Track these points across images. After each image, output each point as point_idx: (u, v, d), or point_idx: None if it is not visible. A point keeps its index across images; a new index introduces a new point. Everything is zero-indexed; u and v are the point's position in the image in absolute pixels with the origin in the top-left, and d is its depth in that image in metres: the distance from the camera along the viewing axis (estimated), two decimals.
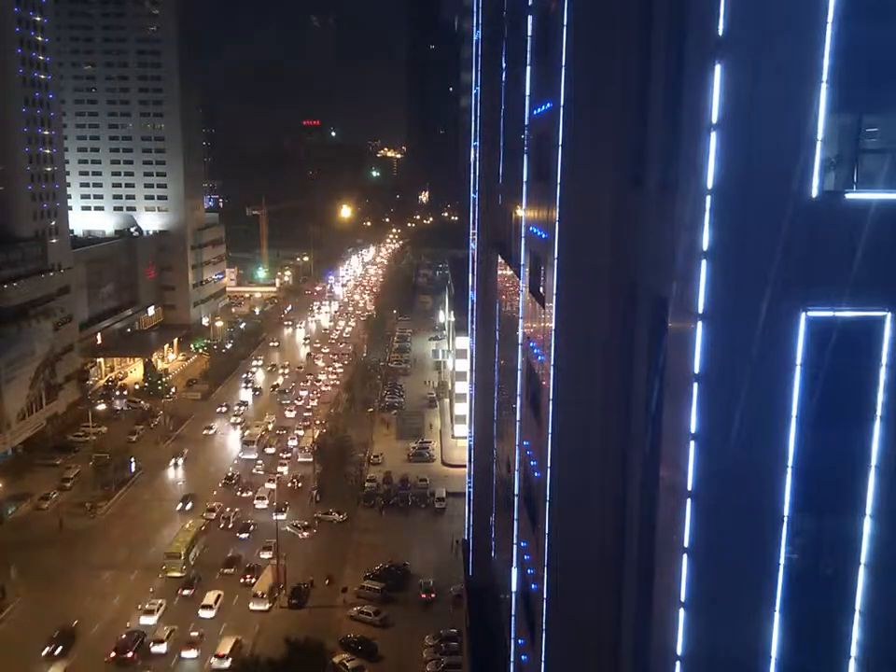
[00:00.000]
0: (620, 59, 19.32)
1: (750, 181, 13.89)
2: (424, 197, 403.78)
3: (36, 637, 64.08)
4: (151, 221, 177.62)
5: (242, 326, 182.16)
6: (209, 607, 68.13)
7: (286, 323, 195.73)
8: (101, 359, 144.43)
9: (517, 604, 29.21)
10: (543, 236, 23.16)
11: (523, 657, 27.51)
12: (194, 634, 64.30)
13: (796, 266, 14.02)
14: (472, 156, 48.83)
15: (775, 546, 14.87)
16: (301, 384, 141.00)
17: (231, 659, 60.62)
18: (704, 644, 15.21)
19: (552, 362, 20.92)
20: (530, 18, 26.37)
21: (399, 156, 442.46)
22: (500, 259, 40.17)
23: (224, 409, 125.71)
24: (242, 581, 73.17)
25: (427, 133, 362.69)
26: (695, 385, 14.51)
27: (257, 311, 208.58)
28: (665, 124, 17.26)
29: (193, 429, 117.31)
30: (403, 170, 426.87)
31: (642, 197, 18.66)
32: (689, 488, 14.77)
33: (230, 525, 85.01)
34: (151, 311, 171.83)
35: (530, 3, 26.83)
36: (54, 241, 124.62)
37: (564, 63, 19.72)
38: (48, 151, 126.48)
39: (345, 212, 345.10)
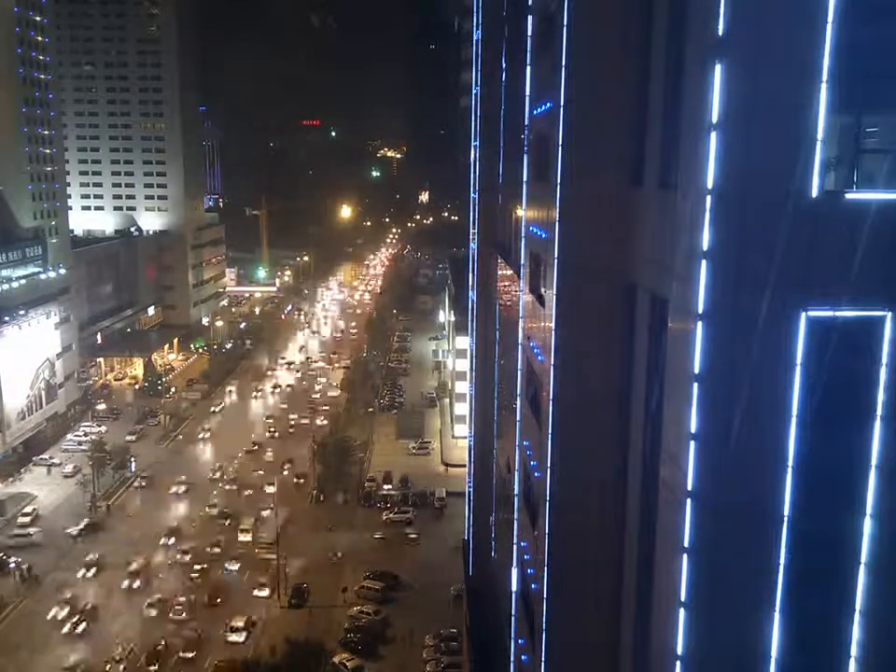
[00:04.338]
0: (620, 59, 19.30)
1: (750, 181, 13.87)
2: (424, 197, 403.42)
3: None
4: (151, 221, 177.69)
5: (241, 326, 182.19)
6: None
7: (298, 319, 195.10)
8: (101, 359, 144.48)
9: (517, 604, 29.20)
10: (543, 236, 23.16)
11: (523, 657, 27.50)
12: None
13: (796, 266, 14.01)
14: (472, 156, 48.76)
15: (775, 546, 14.85)
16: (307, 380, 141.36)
17: None
18: (704, 644, 15.20)
19: (552, 362, 20.90)
20: (530, 18, 26.34)
21: (399, 156, 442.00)
22: (500, 259, 40.15)
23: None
24: None
25: (427, 132, 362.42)
26: (695, 385, 14.50)
27: (257, 311, 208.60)
28: (664, 124, 17.24)
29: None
30: (403, 170, 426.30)
31: (642, 197, 18.66)
32: (689, 488, 14.76)
33: None
34: (151, 311, 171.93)
35: (530, 3, 26.81)
36: (54, 240, 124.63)
37: (564, 63, 19.69)
38: (48, 151, 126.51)
39: (345, 212, 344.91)
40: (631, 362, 19.68)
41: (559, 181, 20.16)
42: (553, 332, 20.80)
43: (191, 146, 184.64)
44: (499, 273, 40.80)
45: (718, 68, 13.61)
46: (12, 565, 74.97)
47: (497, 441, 42.80)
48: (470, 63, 50.51)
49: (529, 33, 26.38)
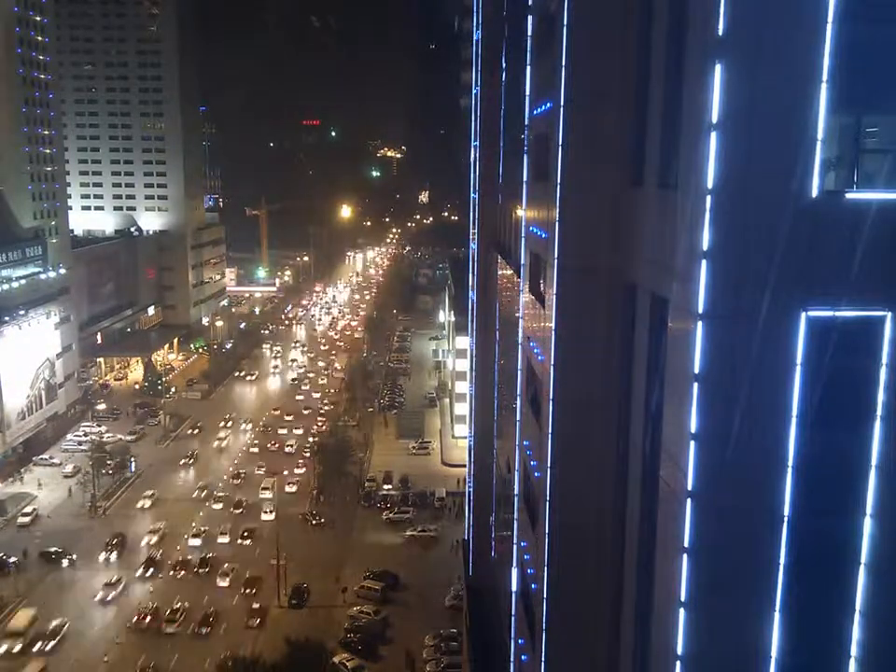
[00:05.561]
0: (619, 59, 19.30)
1: (750, 181, 13.87)
2: (424, 197, 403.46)
3: None
4: (151, 221, 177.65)
5: (241, 326, 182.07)
6: None
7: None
8: (101, 359, 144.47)
9: (517, 604, 29.19)
10: (543, 236, 23.15)
11: (523, 657, 27.50)
12: None
13: (796, 266, 14.01)
14: (472, 156, 48.78)
15: (775, 546, 14.85)
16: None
17: None
18: (704, 644, 15.20)
19: (552, 362, 20.90)
20: (530, 18, 26.34)
21: (399, 156, 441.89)
22: (500, 259, 40.16)
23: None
24: None
25: (426, 132, 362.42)
26: (695, 385, 14.50)
27: (256, 311, 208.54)
28: (664, 124, 17.23)
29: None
30: (403, 170, 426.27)
31: (642, 197, 18.65)
32: (689, 488, 14.75)
33: None
34: (151, 311, 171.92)
35: (530, 3, 26.82)
36: (54, 240, 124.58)
37: (564, 63, 19.69)
38: (48, 151, 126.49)
39: (345, 212, 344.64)
40: (631, 362, 19.66)
41: (559, 181, 20.16)
42: (553, 332, 20.79)
43: (191, 146, 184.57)
44: (499, 273, 40.80)
45: (718, 68, 13.61)
46: (11, 564, 74.99)
47: (497, 441, 42.79)
48: (470, 63, 50.51)
49: (529, 33, 26.38)
